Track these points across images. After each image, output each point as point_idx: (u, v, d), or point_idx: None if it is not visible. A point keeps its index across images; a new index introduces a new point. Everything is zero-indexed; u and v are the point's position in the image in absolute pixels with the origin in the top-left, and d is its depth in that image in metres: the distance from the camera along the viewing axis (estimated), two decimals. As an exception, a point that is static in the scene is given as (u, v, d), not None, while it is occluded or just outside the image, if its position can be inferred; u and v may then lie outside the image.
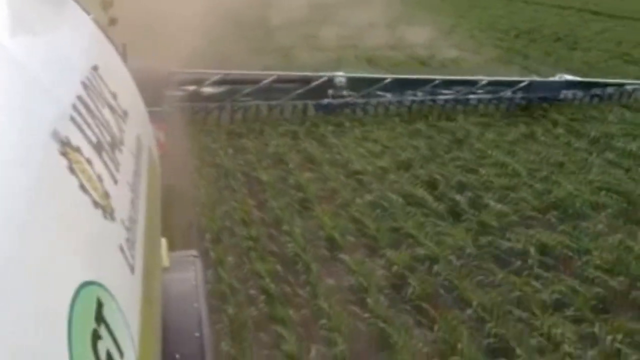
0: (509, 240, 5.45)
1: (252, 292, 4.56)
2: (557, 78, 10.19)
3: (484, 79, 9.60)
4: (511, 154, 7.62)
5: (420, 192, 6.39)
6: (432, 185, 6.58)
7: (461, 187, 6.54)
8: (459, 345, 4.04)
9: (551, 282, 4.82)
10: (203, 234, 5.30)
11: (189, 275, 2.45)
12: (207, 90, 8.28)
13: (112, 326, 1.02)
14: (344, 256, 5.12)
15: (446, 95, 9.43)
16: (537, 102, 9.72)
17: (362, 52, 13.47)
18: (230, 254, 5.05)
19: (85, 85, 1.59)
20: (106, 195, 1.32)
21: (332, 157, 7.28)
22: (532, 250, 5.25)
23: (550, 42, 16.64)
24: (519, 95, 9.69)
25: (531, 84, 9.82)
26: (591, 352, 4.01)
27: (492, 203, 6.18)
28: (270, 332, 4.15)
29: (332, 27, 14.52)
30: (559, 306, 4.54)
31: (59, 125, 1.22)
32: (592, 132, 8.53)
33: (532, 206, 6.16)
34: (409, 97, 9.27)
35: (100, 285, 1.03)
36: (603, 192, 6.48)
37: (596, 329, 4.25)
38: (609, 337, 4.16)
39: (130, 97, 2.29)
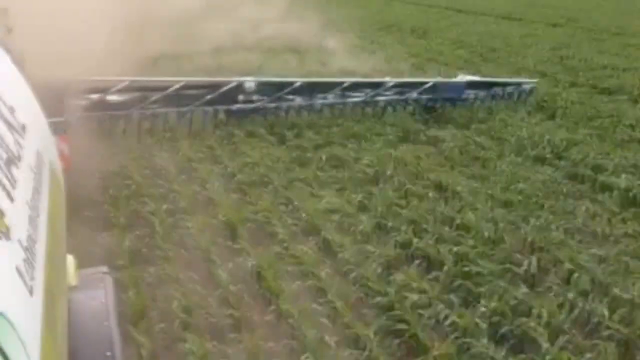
0: (312, 153, 7.99)
1: (126, 182, 6.82)
2: (459, 79, 10.46)
3: (390, 81, 9.85)
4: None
5: (261, 130, 8.83)
6: (271, 126, 9.03)
7: (292, 126, 9.03)
8: (257, 192, 6.51)
9: (331, 172, 7.39)
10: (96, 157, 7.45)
11: (98, 293, 2.40)
12: (113, 97, 8.06)
13: (8, 352, 0.98)
14: (195, 165, 7.49)
15: (355, 97, 9.66)
16: (442, 102, 10.07)
17: (247, 41, 15.58)
18: (113, 166, 7.27)
19: None
20: (0, 214, 1.26)
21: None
22: (324, 157, 7.81)
23: (405, 33, 19.69)
24: (425, 96, 9.99)
25: (435, 85, 10.02)
26: (339, 200, 6.57)
27: (310, 135, 8.71)
28: (138, 201, 6.43)
29: (224, 23, 16.58)
30: (331, 183, 7.09)
31: None
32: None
33: (338, 136, 8.74)
34: (319, 100, 9.42)
35: None
36: (388, 127, 9.18)
37: (356, 196, 6.82)
38: (357, 196, 6.73)
39: (29, 109, 2.22)
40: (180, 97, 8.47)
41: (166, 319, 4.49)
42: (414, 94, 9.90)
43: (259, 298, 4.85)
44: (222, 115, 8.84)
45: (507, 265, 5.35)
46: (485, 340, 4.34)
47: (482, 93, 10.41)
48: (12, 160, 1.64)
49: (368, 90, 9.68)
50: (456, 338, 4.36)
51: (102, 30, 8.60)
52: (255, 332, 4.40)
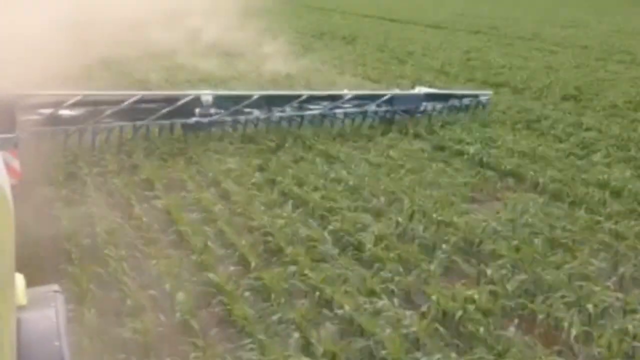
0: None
1: (65, 154, 8.23)
2: (416, 91, 10.70)
3: (348, 93, 10.06)
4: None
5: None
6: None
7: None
8: (175, 159, 8.03)
9: (239, 145, 8.94)
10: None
11: (49, 313, 2.35)
12: (66, 112, 8.00)
13: None
14: (124, 140, 8.96)
15: (313, 110, 9.80)
16: (400, 114, 10.34)
17: (187, 47, 16.89)
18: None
19: None
20: None
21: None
22: (236, 135, 9.37)
23: (336, 40, 21.50)
24: (383, 108, 10.17)
25: (393, 98, 10.20)
26: (241, 164, 8.13)
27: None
28: (75, 166, 7.86)
29: (167, 31, 17.87)
30: (238, 153, 8.64)
31: None
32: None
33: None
34: (277, 113, 9.53)
35: None
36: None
37: (256, 161, 8.40)
38: (257, 161, 8.30)
39: None
40: (136, 111, 8.50)
41: (91, 238, 5.95)
42: (372, 106, 10.10)
43: (164, 225, 6.37)
44: (179, 129, 9.04)
45: (361, 203, 7.01)
46: (328, 246, 5.96)
47: (439, 105, 10.70)
48: None
49: (326, 103, 9.86)
50: (307, 245, 5.96)
51: (50, 47, 8.20)
52: (158, 245, 5.92)
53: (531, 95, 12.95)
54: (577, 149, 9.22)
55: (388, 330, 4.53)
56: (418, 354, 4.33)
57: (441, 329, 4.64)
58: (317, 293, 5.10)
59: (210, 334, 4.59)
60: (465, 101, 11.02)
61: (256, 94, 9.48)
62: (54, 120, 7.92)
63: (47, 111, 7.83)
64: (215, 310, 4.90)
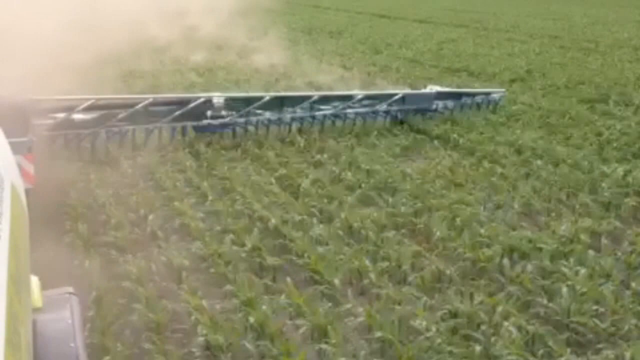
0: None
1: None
2: (428, 90, 10.68)
3: (360, 93, 10.13)
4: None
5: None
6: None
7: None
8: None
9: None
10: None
11: (64, 315, 2.40)
12: (79, 116, 8.15)
13: None
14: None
15: (324, 110, 9.80)
16: (412, 113, 10.35)
17: (182, 41, 18.41)
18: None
19: None
20: None
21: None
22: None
23: (323, 35, 23.09)
24: (395, 108, 10.19)
25: (404, 97, 10.21)
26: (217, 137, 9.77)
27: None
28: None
29: (169, 27, 19.36)
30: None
31: None
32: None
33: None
34: (288, 114, 9.58)
35: None
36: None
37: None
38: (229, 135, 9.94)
39: None
40: (148, 114, 8.62)
41: (85, 183, 7.59)
42: (384, 106, 10.11)
43: (144, 175, 8.01)
44: (190, 132, 9.20)
45: (307, 158, 8.64)
46: (273, 186, 7.58)
47: (451, 103, 10.67)
48: None
49: (337, 103, 9.90)
50: (256, 186, 7.57)
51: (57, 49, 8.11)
52: (138, 187, 7.55)
53: (484, 78, 14.47)
54: (503, 119, 10.76)
55: (301, 234, 6.14)
56: (319, 247, 5.92)
57: (342, 233, 6.24)
58: (256, 214, 6.71)
59: (172, 239, 6.21)
60: (478, 99, 11.01)
61: (267, 95, 9.64)
62: (68, 124, 8.09)
63: (61, 115, 8.06)
64: (176, 226, 6.52)
